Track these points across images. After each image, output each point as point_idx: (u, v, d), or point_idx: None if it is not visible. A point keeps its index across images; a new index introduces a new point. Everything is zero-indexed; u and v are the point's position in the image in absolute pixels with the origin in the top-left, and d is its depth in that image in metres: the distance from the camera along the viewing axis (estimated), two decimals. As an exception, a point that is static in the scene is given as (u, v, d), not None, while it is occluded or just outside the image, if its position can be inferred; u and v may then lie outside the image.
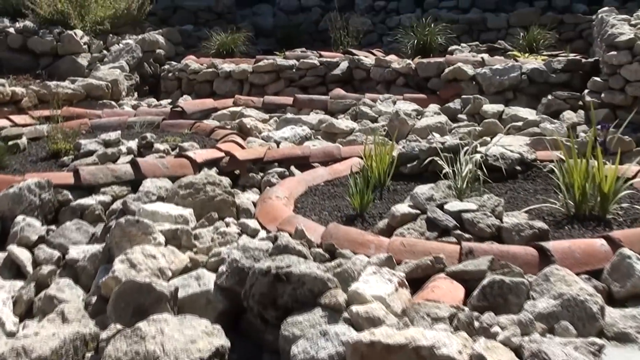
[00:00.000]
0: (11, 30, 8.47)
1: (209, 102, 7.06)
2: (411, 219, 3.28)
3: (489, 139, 5.16)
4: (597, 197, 3.35)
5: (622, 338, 2.35)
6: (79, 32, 8.53)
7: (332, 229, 3.16)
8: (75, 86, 7.34)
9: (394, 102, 6.64)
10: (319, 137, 5.76)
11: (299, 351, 2.21)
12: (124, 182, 4.21)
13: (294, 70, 7.97)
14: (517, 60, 7.40)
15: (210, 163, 4.54)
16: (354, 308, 2.36)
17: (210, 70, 8.26)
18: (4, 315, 2.82)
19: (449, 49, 8.60)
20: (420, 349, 2.03)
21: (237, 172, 4.57)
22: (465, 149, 3.93)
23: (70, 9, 8.63)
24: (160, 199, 3.91)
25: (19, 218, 3.62)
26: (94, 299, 2.83)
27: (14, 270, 3.32)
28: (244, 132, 5.79)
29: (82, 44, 8.49)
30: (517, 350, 2.17)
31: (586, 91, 6.31)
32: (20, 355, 2.27)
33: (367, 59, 7.93)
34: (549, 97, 6.38)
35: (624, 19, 6.87)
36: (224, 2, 11.66)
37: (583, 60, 7.02)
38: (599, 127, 4.46)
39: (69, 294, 2.94)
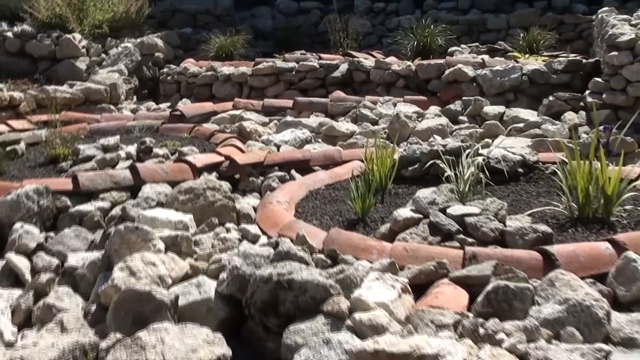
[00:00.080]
0: (9, 34, 8.44)
1: (208, 106, 7.04)
2: (413, 224, 3.25)
3: (490, 140, 5.13)
4: (601, 199, 3.33)
5: (629, 343, 2.32)
6: (78, 36, 8.49)
7: (333, 234, 3.14)
8: (73, 90, 7.31)
9: (395, 105, 6.61)
10: (319, 140, 5.73)
11: (302, 360, 2.18)
12: (123, 187, 4.18)
13: (294, 72, 7.94)
14: (517, 61, 7.37)
15: (210, 167, 4.51)
16: (357, 315, 2.33)
17: (209, 73, 8.23)
18: (2, 325, 2.79)
19: (449, 50, 8.58)
20: (424, 358, 2.01)
21: (237, 176, 4.54)
22: (467, 151, 3.90)
23: (69, 13, 8.60)
24: (160, 204, 3.88)
25: (17, 225, 3.59)
26: (93, 307, 2.80)
27: (12, 278, 3.28)
28: (244, 135, 5.77)
29: (80, 47, 8.45)
30: (523, 357, 2.15)
31: (587, 92, 6.28)
32: (19, 366, 2.24)
33: (367, 61, 7.90)
34: (550, 98, 6.35)
35: (624, 19, 6.84)
36: (223, 5, 11.64)
37: (584, 60, 7.00)
38: (601, 128, 4.43)
39: (68, 302, 2.91)
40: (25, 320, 2.96)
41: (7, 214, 3.71)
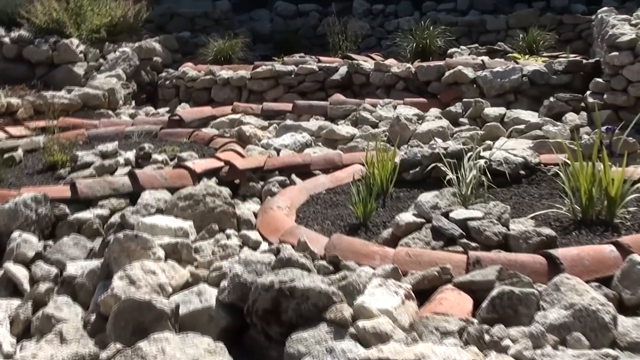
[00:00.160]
0: (6, 39, 8.40)
1: (207, 110, 7.01)
2: (416, 228, 3.22)
3: (491, 142, 5.10)
4: (604, 201, 3.30)
5: (636, 348, 2.30)
6: (75, 41, 8.46)
7: (335, 240, 3.10)
8: (71, 96, 7.28)
9: (395, 107, 6.59)
10: (320, 143, 5.70)
11: (305, 369, 2.15)
12: (122, 194, 4.15)
13: (293, 76, 7.92)
14: (517, 62, 7.36)
15: (210, 173, 4.48)
16: (361, 323, 2.30)
17: (208, 77, 8.20)
18: (1, 336, 2.75)
19: (448, 51, 8.56)
20: (430, 367, 1.97)
21: (237, 181, 4.51)
22: (469, 154, 3.87)
23: (66, 18, 8.56)
24: (159, 211, 3.85)
25: (15, 234, 3.55)
26: (92, 317, 2.76)
27: (11, 288, 3.25)
28: (243, 140, 5.74)
29: (78, 52, 8.42)
30: (530, 364, 2.11)
31: (588, 92, 6.26)
32: (17, 379, 2.21)
33: (366, 63, 7.87)
34: (551, 99, 6.33)
35: (624, 19, 6.82)
36: (221, 8, 11.61)
37: (584, 61, 6.98)
38: (604, 129, 4.40)
39: (67, 312, 2.87)
40: (24, 331, 2.92)
41: (4, 223, 3.68)
